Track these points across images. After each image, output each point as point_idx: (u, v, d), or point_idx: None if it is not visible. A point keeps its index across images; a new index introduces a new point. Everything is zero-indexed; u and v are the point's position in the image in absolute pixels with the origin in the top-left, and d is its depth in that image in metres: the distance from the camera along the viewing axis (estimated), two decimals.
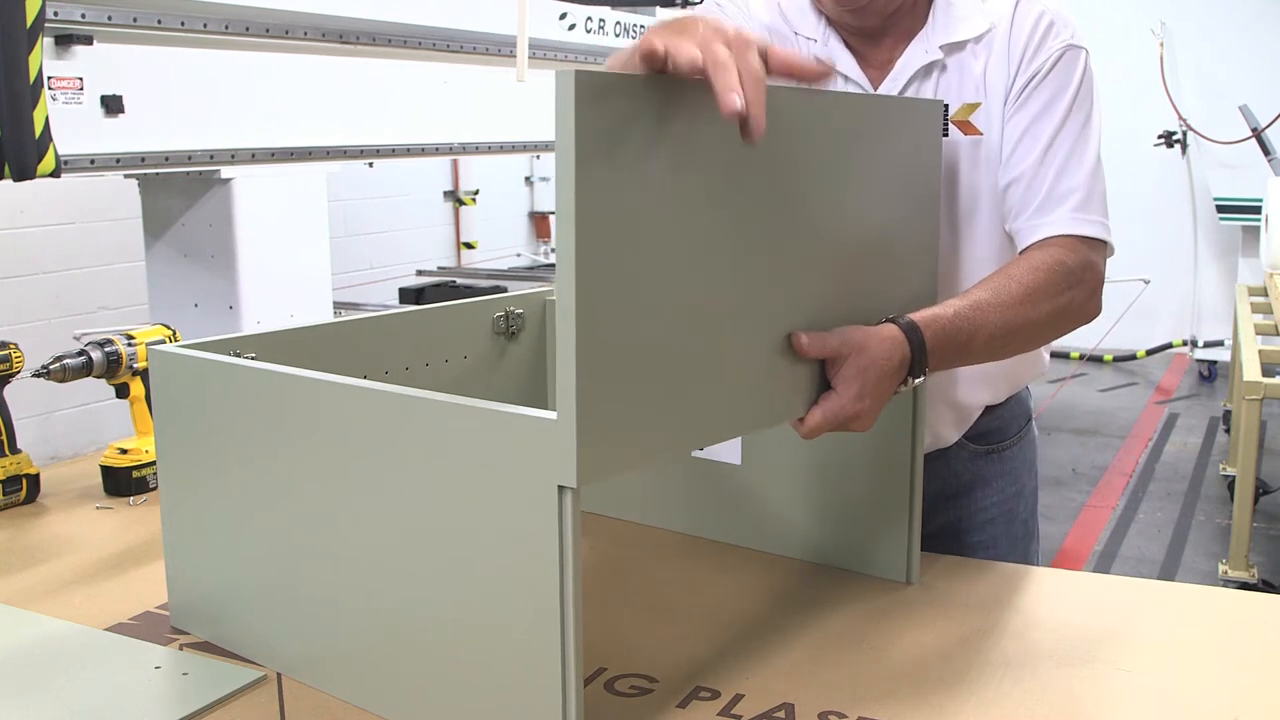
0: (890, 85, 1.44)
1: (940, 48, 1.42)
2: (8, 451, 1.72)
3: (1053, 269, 1.33)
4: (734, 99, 0.89)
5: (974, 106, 1.42)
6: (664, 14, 4.55)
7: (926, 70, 1.43)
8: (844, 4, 1.40)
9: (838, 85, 1.46)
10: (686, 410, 1.02)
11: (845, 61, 1.45)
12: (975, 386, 1.54)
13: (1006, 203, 1.42)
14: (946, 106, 1.41)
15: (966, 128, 1.42)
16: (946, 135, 1.41)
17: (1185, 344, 7.31)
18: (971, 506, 1.61)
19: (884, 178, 1.27)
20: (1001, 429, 1.62)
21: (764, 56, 0.97)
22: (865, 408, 1.17)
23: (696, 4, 4.64)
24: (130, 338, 1.77)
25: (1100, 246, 1.39)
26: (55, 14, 2.35)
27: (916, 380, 1.22)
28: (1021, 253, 1.40)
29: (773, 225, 1.10)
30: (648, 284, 0.95)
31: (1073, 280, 1.34)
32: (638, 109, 0.91)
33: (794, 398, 1.16)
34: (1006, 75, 1.41)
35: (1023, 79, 1.40)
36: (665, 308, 0.97)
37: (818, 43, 1.46)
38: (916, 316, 1.23)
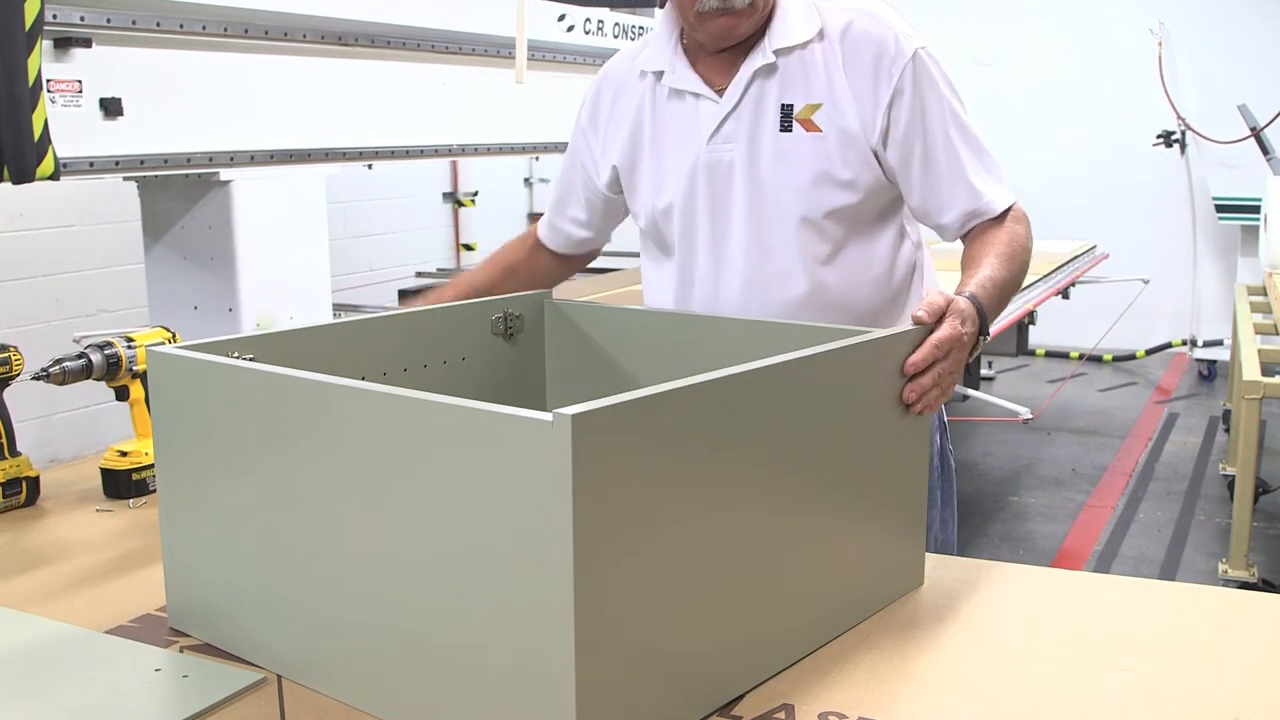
0: (733, 92, 1.63)
1: (774, 52, 1.61)
2: (7, 454, 1.71)
3: (1013, 236, 1.60)
4: None
5: (816, 106, 1.61)
6: (662, 15, 4.55)
7: (766, 70, 1.62)
8: (721, 39, 1.60)
9: (686, 101, 1.66)
10: (691, 682, 1.07)
11: (693, 82, 1.66)
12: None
13: (931, 201, 1.63)
14: (792, 106, 1.61)
15: (809, 125, 1.61)
16: (790, 131, 1.61)
17: (1185, 343, 7.30)
18: None
19: (871, 412, 1.29)
20: None
21: None
22: (966, 334, 1.36)
23: None
24: (130, 340, 1.77)
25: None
26: (54, 17, 2.35)
27: (985, 338, 1.44)
28: (977, 230, 1.63)
29: (768, 491, 1.13)
30: (648, 579, 1.00)
31: (1027, 239, 1.63)
32: (628, 429, 0.96)
33: (796, 642, 1.20)
34: (857, 95, 1.59)
35: (885, 99, 1.59)
36: (664, 595, 1.02)
37: (666, 72, 1.68)
38: (970, 290, 1.45)
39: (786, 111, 1.62)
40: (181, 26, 2.67)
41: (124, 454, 1.76)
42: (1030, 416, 4.55)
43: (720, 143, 1.65)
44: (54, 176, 2.27)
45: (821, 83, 1.61)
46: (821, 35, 1.62)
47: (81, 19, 2.44)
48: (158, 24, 2.61)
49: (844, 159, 1.61)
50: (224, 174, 2.81)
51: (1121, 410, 6.18)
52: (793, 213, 1.63)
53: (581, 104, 1.83)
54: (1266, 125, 6.29)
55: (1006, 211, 1.63)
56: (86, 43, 2.44)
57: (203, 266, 2.88)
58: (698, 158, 1.66)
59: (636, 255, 1.88)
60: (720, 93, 1.65)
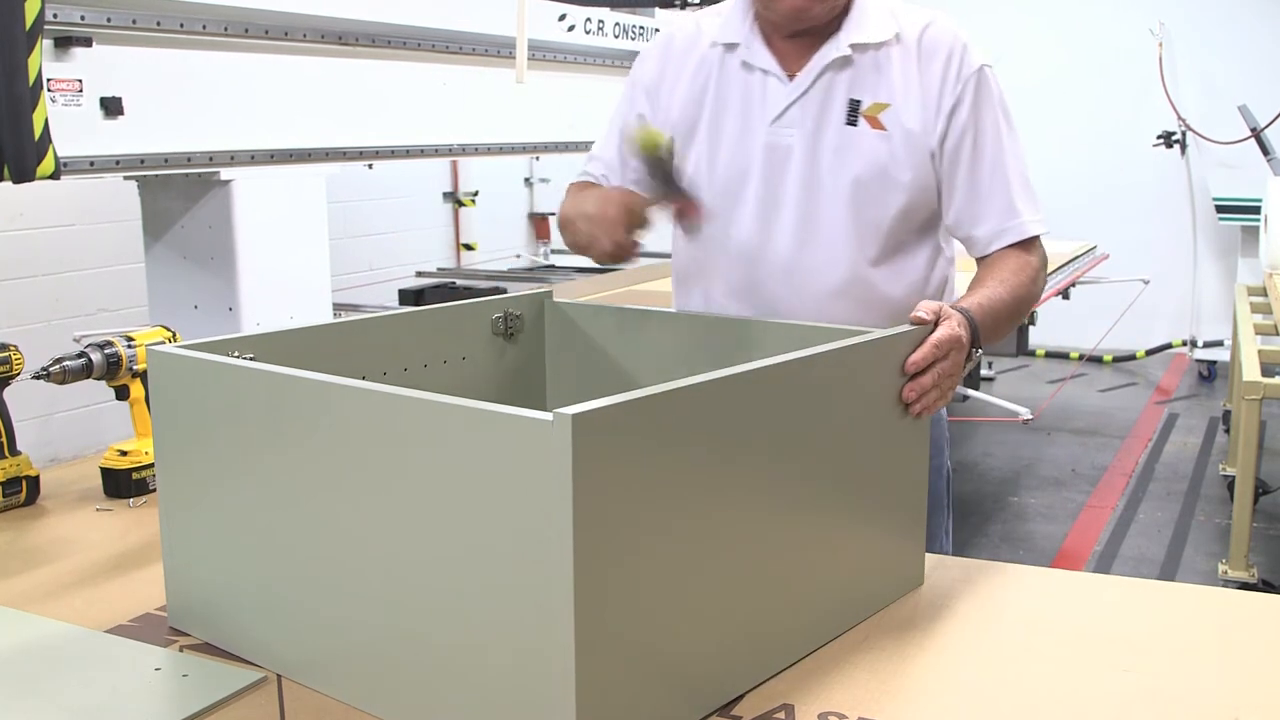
0: (804, 78, 1.65)
1: (849, 46, 1.63)
2: (8, 453, 1.72)
3: (1025, 266, 1.64)
4: None
5: (884, 106, 1.63)
6: (663, 15, 4.55)
7: (841, 63, 1.64)
8: (792, 20, 1.61)
9: (755, 77, 1.67)
10: (691, 682, 1.07)
11: (767, 60, 1.67)
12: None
13: (967, 210, 1.66)
14: (859, 102, 1.63)
15: (874, 123, 1.63)
16: (855, 126, 1.63)
17: (1185, 344, 7.30)
18: None
19: (871, 412, 1.29)
20: None
21: None
22: (964, 336, 1.38)
23: (696, 3, 4.65)
24: (130, 339, 1.77)
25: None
26: (54, 16, 2.35)
27: (978, 352, 1.45)
28: (995, 255, 1.66)
29: (768, 492, 1.13)
30: (648, 579, 1.00)
31: (1039, 276, 1.66)
32: (628, 429, 0.96)
33: (796, 642, 1.20)
34: (924, 98, 1.62)
35: (947, 105, 1.62)
36: (664, 595, 1.02)
37: (741, 45, 1.68)
38: (965, 305, 1.47)
39: (854, 106, 1.63)
40: (182, 26, 2.67)
41: (124, 453, 1.76)
42: (1030, 417, 4.56)
43: (783, 126, 1.65)
44: (54, 176, 2.26)
45: (893, 84, 1.63)
46: (898, 38, 1.64)
47: (82, 18, 2.44)
48: (158, 23, 2.61)
49: (906, 161, 1.63)
50: (224, 173, 2.81)
51: (1121, 411, 6.18)
52: (844, 207, 1.64)
53: (639, 64, 1.80)
54: (1267, 126, 6.29)
55: (1031, 242, 1.66)
56: (87, 42, 2.44)
57: (203, 266, 2.88)
58: (758, 137, 1.66)
59: None
60: (791, 77, 1.65)
